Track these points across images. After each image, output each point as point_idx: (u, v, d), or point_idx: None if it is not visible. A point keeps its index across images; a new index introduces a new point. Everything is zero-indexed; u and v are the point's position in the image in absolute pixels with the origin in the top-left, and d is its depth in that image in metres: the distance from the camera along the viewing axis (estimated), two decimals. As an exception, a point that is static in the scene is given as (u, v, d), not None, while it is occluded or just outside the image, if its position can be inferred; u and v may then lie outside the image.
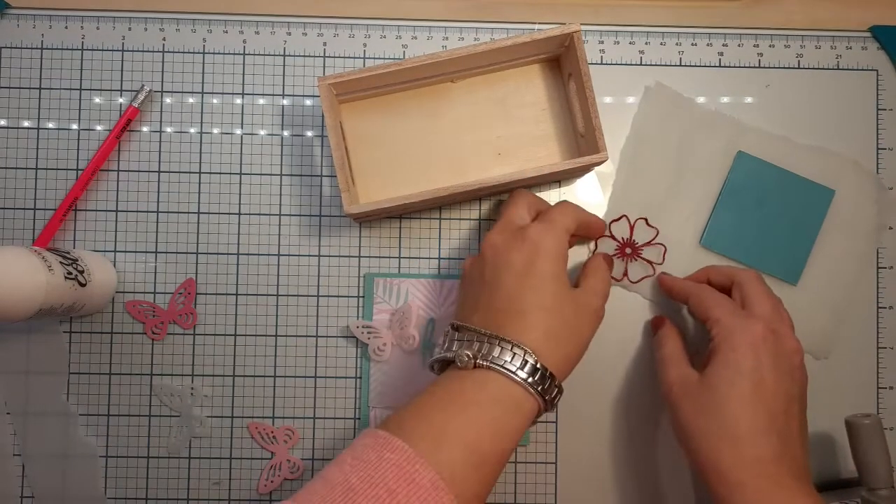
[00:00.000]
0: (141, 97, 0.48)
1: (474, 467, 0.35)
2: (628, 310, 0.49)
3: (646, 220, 0.49)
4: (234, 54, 0.49)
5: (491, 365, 0.37)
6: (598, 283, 0.43)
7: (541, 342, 0.38)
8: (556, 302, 0.40)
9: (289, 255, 0.49)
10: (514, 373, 0.37)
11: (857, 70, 0.50)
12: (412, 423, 0.36)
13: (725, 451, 0.38)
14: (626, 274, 0.49)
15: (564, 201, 0.45)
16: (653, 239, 0.49)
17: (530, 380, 0.37)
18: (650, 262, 0.49)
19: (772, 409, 0.39)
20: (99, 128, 0.49)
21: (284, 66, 0.50)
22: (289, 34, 0.50)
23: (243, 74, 0.49)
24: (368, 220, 0.49)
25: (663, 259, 0.49)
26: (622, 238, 0.49)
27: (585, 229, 0.45)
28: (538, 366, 0.38)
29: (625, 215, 0.49)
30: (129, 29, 0.49)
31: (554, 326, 0.39)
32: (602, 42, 0.50)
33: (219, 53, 0.49)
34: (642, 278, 0.49)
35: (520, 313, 0.39)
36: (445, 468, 0.34)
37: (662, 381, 0.43)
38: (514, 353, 0.37)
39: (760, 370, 0.39)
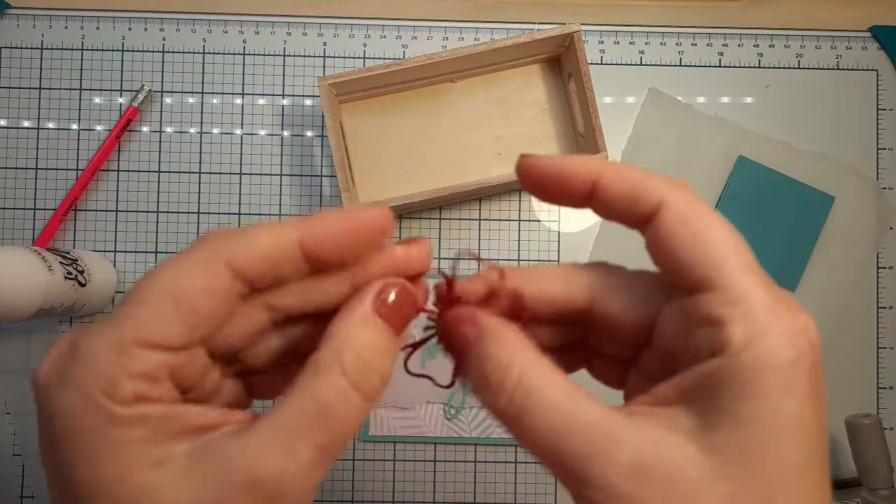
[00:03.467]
0: (141, 97, 0.48)
1: None
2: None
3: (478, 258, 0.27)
4: (233, 54, 0.49)
5: None
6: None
7: None
8: None
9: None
10: None
11: (857, 70, 0.50)
12: None
13: None
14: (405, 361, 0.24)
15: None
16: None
17: None
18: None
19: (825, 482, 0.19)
20: (99, 128, 0.49)
21: (284, 66, 0.49)
22: (289, 34, 0.50)
23: (243, 74, 0.49)
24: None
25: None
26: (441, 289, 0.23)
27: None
28: None
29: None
30: (129, 29, 0.49)
31: None
32: (602, 42, 0.50)
33: (219, 53, 0.49)
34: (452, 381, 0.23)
35: None
36: None
37: (589, 489, 0.18)
38: None
39: (819, 418, 0.19)
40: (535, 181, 0.22)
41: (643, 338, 0.22)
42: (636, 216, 0.21)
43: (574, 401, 0.19)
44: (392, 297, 0.21)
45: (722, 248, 0.19)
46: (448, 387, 0.22)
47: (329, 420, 0.19)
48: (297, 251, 0.20)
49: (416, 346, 0.23)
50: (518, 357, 0.20)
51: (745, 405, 0.18)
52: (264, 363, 0.23)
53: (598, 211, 0.22)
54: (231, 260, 0.20)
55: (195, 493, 0.18)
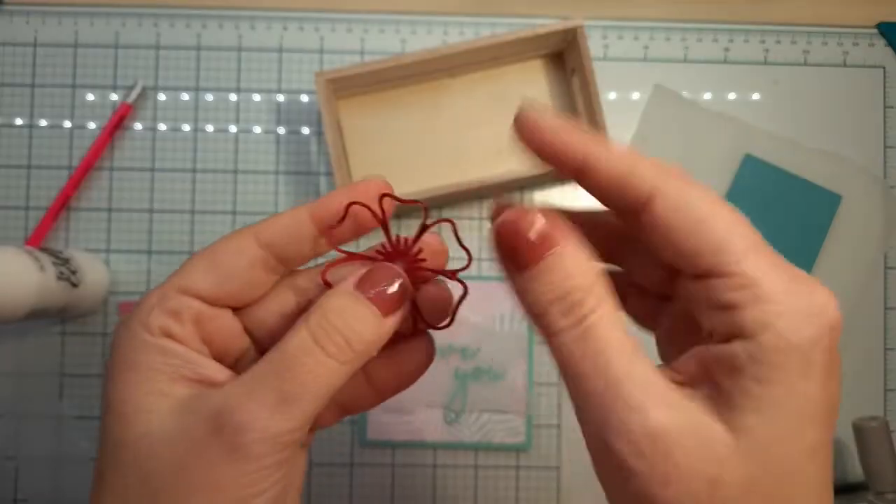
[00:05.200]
0: (134, 94, 0.48)
1: None
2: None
3: (454, 225, 0.25)
4: (229, 50, 0.49)
5: None
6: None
7: None
8: None
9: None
10: None
11: (864, 67, 0.50)
12: None
13: None
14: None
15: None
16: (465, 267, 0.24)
17: None
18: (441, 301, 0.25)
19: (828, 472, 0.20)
20: (92, 125, 0.48)
21: (280, 61, 0.49)
22: (285, 29, 0.49)
23: (238, 70, 0.49)
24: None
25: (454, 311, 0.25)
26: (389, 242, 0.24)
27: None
28: None
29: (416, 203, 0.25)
30: (123, 25, 0.49)
31: None
32: (606, 37, 0.49)
33: (213, 49, 0.49)
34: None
35: None
36: None
37: (615, 435, 0.18)
38: None
39: (834, 397, 0.19)
40: (533, 141, 0.22)
41: (683, 261, 0.20)
42: (627, 205, 0.20)
43: (634, 350, 0.19)
44: (376, 277, 0.22)
45: (725, 232, 0.19)
46: (446, 327, 0.24)
47: (290, 369, 0.21)
48: (310, 222, 0.24)
49: (350, 257, 0.24)
50: (598, 287, 0.20)
51: (766, 389, 0.18)
52: None
53: (589, 194, 0.22)
54: (257, 232, 0.23)
55: (172, 426, 0.21)
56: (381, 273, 0.23)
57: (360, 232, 0.24)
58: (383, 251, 0.24)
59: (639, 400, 0.18)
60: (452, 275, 0.24)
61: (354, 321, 0.22)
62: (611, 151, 0.20)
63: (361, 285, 0.22)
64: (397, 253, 0.24)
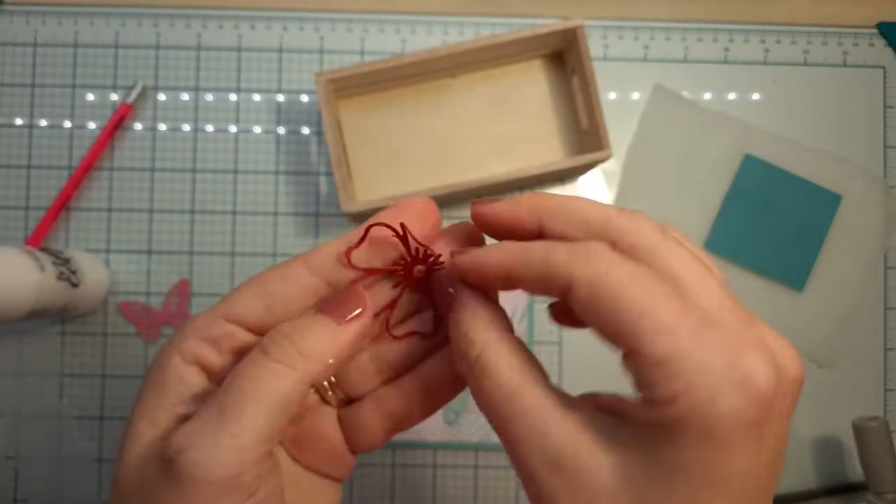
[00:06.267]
0: (134, 94, 0.47)
1: None
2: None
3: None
4: (229, 50, 0.49)
5: None
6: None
7: None
8: None
9: (285, 255, 0.48)
10: None
11: (864, 67, 0.50)
12: None
13: None
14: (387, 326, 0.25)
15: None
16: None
17: None
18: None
19: None
20: (92, 125, 0.48)
21: (280, 61, 0.49)
22: (285, 29, 0.49)
23: (238, 70, 0.49)
24: (366, 218, 0.48)
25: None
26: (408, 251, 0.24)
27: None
28: None
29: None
30: (123, 24, 0.49)
31: None
32: (606, 37, 0.49)
33: (213, 49, 0.49)
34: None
35: None
36: None
37: (521, 460, 0.20)
38: None
39: (757, 481, 0.19)
40: (487, 230, 0.24)
41: (609, 342, 0.21)
42: (558, 297, 0.21)
43: (523, 384, 0.20)
44: (338, 298, 0.23)
45: (636, 311, 0.18)
46: (432, 336, 0.25)
47: (233, 381, 0.21)
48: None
49: (392, 304, 0.25)
50: (482, 335, 0.22)
51: (685, 474, 0.18)
52: (356, 384, 0.25)
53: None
54: (306, 259, 0.23)
55: (142, 460, 0.21)
56: (344, 294, 0.23)
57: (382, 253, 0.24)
58: (402, 263, 0.24)
59: (524, 435, 0.20)
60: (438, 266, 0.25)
61: (304, 328, 0.22)
62: (528, 254, 0.21)
63: (320, 308, 0.23)
64: (415, 261, 0.24)
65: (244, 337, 0.22)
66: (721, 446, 0.17)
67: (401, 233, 0.23)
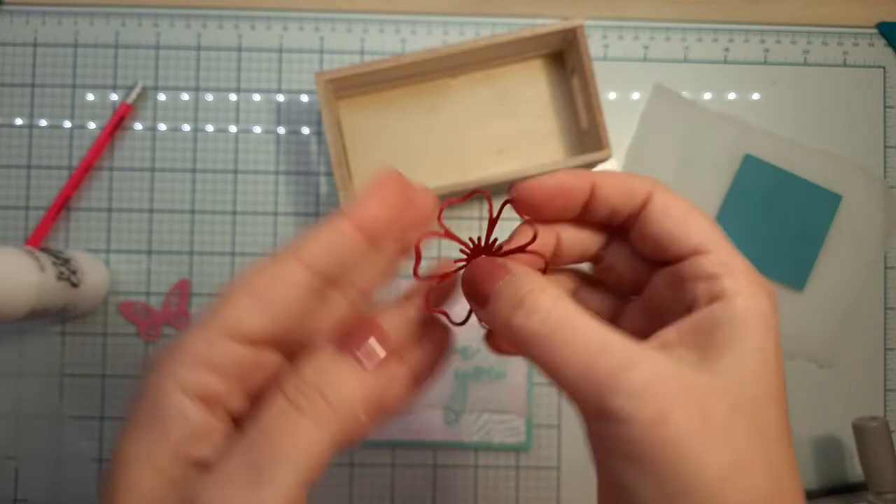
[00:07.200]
0: (134, 94, 0.47)
1: None
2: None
3: (488, 199, 0.27)
4: (229, 50, 0.49)
5: None
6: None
7: None
8: None
9: (285, 255, 0.48)
10: None
11: (864, 67, 0.50)
12: None
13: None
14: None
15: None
16: (530, 242, 0.25)
17: None
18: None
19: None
20: (92, 125, 0.48)
21: (280, 61, 0.49)
22: (285, 29, 0.49)
23: (238, 70, 0.49)
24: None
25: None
26: (473, 238, 0.26)
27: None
28: None
29: (478, 191, 0.28)
30: (123, 24, 0.49)
31: None
32: (606, 37, 0.49)
33: (213, 49, 0.49)
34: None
35: None
36: None
37: (611, 395, 0.20)
38: None
39: (781, 361, 0.23)
40: (539, 200, 0.25)
41: (674, 244, 0.24)
42: (631, 206, 0.24)
43: (603, 325, 0.21)
44: (356, 334, 0.23)
45: (705, 224, 0.24)
46: (461, 324, 0.25)
47: (264, 438, 0.19)
48: (354, 233, 0.22)
49: (442, 276, 0.25)
50: (550, 287, 0.22)
51: (741, 340, 0.21)
52: None
53: (593, 214, 0.25)
54: (299, 255, 0.21)
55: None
56: (361, 330, 0.22)
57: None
58: (471, 247, 0.25)
59: (623, 361, 0.20)
60: (521, 250, 0.25)
61: (332, 376, 0.21)
62: (610, 174, 0.25)
63: (342, 345, 0.22)
64: (481, 249, 0.25)
65: (246, 355, 0.21)
66: (769, 332, 0.22)
67: (443, 231, 0.25)
